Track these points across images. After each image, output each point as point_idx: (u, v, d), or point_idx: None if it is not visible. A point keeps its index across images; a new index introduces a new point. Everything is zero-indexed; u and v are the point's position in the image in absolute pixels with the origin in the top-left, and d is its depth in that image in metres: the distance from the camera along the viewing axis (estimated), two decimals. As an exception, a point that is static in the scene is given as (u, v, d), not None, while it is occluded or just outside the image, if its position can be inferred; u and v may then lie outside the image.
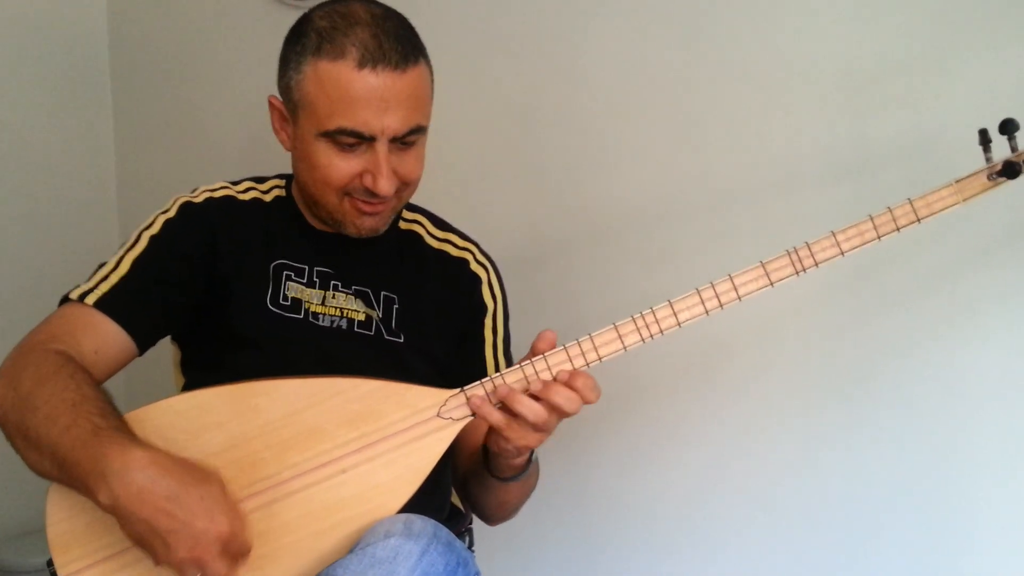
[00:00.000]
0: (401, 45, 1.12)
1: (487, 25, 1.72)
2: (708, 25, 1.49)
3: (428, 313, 1.27)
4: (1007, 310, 1.30)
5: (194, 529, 0.94)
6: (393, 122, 1.12)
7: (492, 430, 1.10)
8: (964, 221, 1.27)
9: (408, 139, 1.15)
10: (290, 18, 1.21)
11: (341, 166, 1.15)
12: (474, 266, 1.31)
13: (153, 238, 1.20)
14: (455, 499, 1.33)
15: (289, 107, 1.18)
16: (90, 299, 1.15)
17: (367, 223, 1.20)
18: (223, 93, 2.12)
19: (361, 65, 1.10)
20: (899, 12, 1.34)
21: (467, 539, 1.32)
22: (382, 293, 1.25)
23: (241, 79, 2.08)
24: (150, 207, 1.25)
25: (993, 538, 1.33)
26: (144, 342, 1.18)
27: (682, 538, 1.59)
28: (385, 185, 1.14)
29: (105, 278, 1.17)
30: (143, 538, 0.96)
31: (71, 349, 1.10)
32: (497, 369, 1.27)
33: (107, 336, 1.14)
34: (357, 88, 1.10)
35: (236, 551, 0.99)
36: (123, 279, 1.17)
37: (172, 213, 1.22)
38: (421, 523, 1.01)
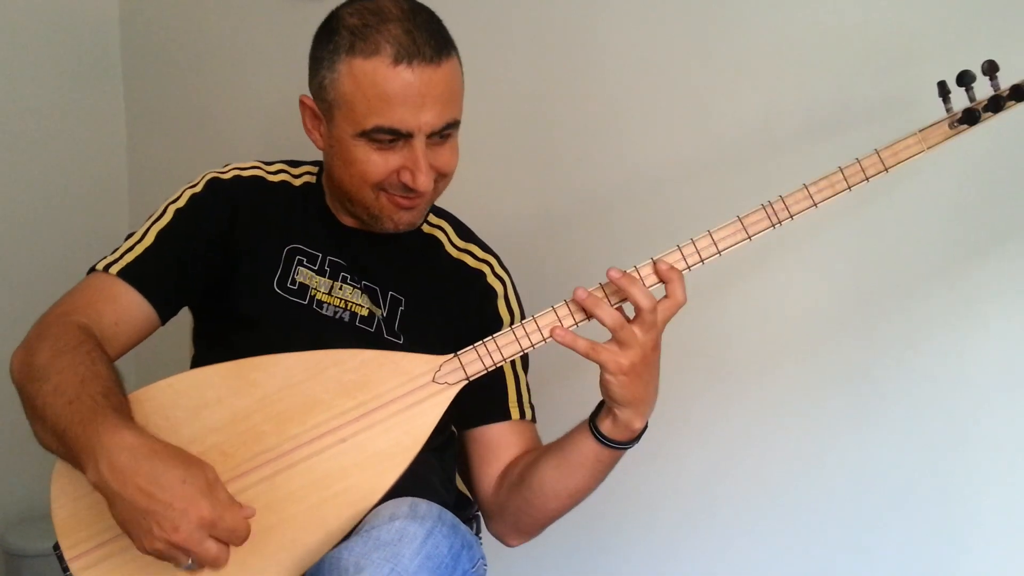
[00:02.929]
0: (434, 39, 1.13)
1: (495, 6, 1.71)
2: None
3: (433, 319, 1.26)
4: (1011, 304, 1.30)
5: (173, 511, 0.94)
6: (430, 117, 1.12)
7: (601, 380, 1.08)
8: (968, 214, 1.30)
9: (444, 133, 1.16)
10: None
11: (379, 163, 1.14)
12: (491, 279, 1.31)
13: (178, 211, 1.24)
14: (462, 486, 1.34)
15: (323, 107, 1.17)
16: (114, 269, 1.19)
17: (405, 217, 1.20)
18: (234, 84, 2.13)
19: (396, 61, 1.10)
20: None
21: (474, 525, 1.32)
22: (390, 293, 1.25)
23: (253, 70, 2.08)
24: (161, 198, 1.28)
25: (999, 533, 1.31)
26: (165, 311, 1.22)
27: (688, 532, 1.58)
28: (424, 181, 1.14)
29: (130, 248, 1.21)
30: (126, 521, 0.96)
31: (92, 321, 1.14)
32: (516, 379, 1.28)
33: (129, 306, 1.18)
34: (393, 85, 1.10)
35: (223, 536, 0.98)
36: (147, 250, 1.21)
37: (199, 188, 1.26)
38: (426, 506, 1.02)
